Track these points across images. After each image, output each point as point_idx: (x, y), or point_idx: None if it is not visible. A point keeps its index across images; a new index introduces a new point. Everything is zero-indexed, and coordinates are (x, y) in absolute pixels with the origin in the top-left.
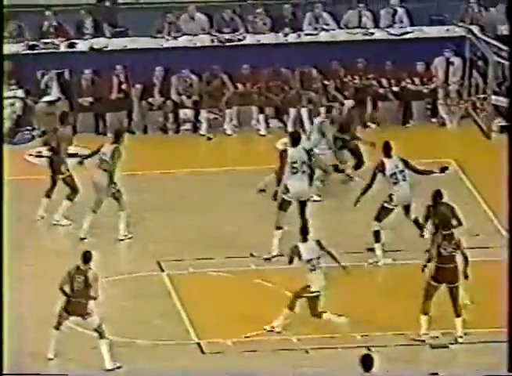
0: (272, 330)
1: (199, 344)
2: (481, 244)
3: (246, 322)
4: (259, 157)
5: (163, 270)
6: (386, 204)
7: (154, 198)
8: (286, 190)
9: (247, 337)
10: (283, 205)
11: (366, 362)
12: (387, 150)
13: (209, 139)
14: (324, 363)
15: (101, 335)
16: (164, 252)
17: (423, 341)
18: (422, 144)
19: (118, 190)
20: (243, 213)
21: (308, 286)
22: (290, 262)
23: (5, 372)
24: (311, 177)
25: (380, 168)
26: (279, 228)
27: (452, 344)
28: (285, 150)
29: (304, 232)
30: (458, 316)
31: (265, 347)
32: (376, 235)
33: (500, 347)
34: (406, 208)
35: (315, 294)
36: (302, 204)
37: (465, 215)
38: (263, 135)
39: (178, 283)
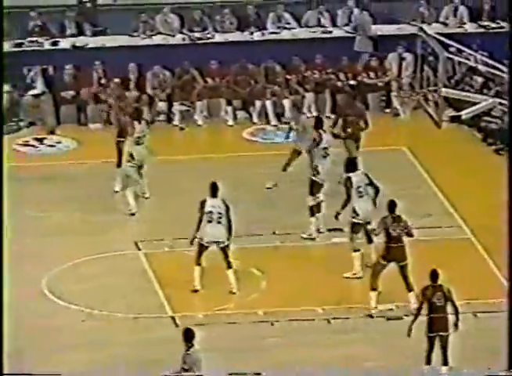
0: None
1: (173, 317)
2: (433, 224)
3: (217, 297)
4: (227, 145)
5: (139, 249)
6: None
7: None
8: (356, 214)
9: (218, 310)
10: (355, 228)
11: (188, 335)
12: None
13: (181, 129)
14: (288, 335)
15: None
16: (141, 233)
17: (371, 316)
18: (377, 133)
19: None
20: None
21: None
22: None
23: (5, 372)
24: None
25: None
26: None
27: (406, 315)
28: (349, 178)
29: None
30: (410, 290)
31: (235, 319)
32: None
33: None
34: None
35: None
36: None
37: (417, 198)
38: (231, 126)
39: (154, 261)
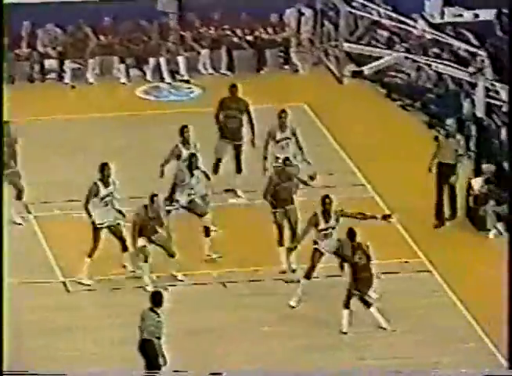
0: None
1: (64, 282)
2: (336, 183)
3: (107, 262)
4: (120, 104)
5: (29, 212)
6: None
7: (23, 144)
8: None
9: (109, 275)
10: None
11: (155, 298)
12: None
13: (73, 87)
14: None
15: None
16: (31, 195)
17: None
18: (275, 90)
19: None
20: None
21: None
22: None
23: (5, 371)
24: None
25: None
26: None
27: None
28: None
29: None
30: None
31: (124, 285)
32: None
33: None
34: None
35: None
36: None
37: (318, 155)
38: (123, 84)
39: (44, 224)
